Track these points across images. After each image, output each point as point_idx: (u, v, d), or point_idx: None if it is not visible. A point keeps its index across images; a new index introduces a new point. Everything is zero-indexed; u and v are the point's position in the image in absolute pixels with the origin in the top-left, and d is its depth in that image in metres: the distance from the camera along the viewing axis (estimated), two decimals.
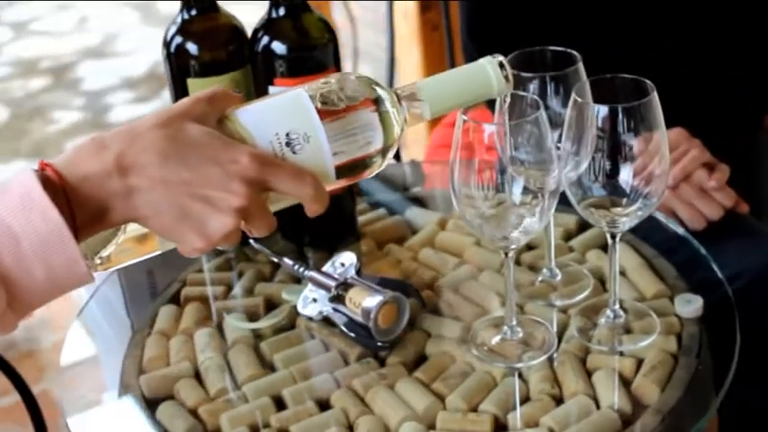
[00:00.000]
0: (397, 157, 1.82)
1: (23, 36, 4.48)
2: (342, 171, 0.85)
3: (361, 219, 1.28)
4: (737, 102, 1.50)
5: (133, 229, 0.83)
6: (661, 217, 1.24)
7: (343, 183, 0.87)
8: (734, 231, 1.34)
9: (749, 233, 1.36)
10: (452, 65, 1.97)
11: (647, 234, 1.20)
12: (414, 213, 1.29)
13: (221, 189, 0.78)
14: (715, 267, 1.13)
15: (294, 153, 0.82)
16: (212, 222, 0.78)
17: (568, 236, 1.22)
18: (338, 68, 1.15)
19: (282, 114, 0.83)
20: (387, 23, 1.90)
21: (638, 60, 1.42)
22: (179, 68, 1.17)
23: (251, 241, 1.20)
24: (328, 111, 0.84)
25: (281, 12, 1.13)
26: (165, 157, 0.77)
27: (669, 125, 1.32)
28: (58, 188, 0.75)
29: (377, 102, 0.86)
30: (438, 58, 2.53)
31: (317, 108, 0.83)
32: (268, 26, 1.13)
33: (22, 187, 0.74)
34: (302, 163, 0.82)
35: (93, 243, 0.82)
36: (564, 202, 1.00)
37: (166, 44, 1.17)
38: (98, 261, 0.83)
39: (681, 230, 1.22)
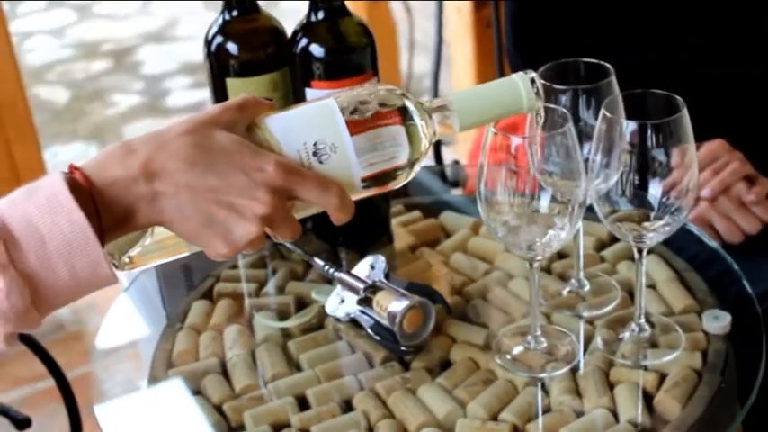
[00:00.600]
0: (439, 158, 1.82)
1: (87, 19, 4.54)
2: (368, 182, 0.87)
3: (395, 221, 1.29)
4: None
5: (161, 231, 0.84)
6: (695, 230, 1.24)
7: (368, 193, 0.89)
8: None
9: None
10: (501, 63, 1.97)
11: (682, 246, 1.20)
12: (448, 217, 1.29)
13: (247, 197, 0.80)
14: (746, 283, 1.12)
15: (321, 163, 0.84)
16: (237, 229, 0.80)
17: (601, 246, 1.22)
18: (375, 72, 1.16)
19: (311, 124, 0.85)
20: (436, 20, 1.90)
21: (672, 60, 1.42)
22: (219, 68, 1.18)
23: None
24: (357, 122, 0.85)
25: (320, 15, 1.14)
26: (192, 164, 0.79)
27: (706, 127, 1.32)
28: (85, 191, 0.78)
29: (405, 114, 0.87)
30: (490, 54, 2.53)
31: (345, 119, 0.85)
32: (307, 29, 1.14)
33: (49, 189, 0.76)
34: (328, 173, 0.84)
35: (121, 243, 0.84)
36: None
37: (207, 43, 1.18)
38: (126, 260, 0.85)
39: (714, 244, 1.21)
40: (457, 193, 1.42)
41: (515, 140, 0.94)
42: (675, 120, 0.93)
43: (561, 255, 1.19)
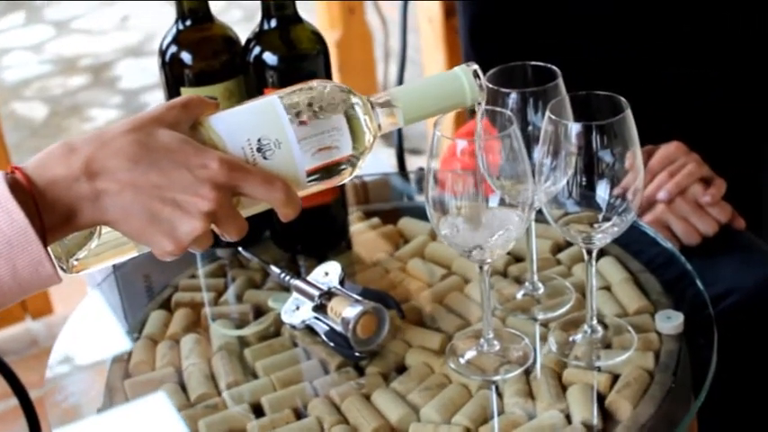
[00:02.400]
0: (402, 165, 1.83)
1: (65, 34, 4.54)
2: (313, 176, 0.87)
3: (353, 228, 1.30)
4: (738, 107, 1.49)
5: (108, 232, 0.84)
6: (651, 232, 1.24)
7: (315, 188, 0.89)
8: (728, 247, 1.34)
9: (744, 249, 1.36)
10: None
11: (640, 249, 1.20)
12: (407, 223, 1.30)
13: (190, 193, 0.80)
14: (699, 283, 1.13)
15: (265, 159, 0.84)
16: (182, 226, 0.80)
17: (557, 249, 1.22)
18: (329, 78, 1.16)
19: (255, 121, 0.85)
20: (400, 28, 1.91)
21: (632, 60, 1.42)
22: (173, 77, 1.18)
23: (239, 249, 1.22)
24: (300, 117, 0.85)
25: (273, 23, 1.14)
26: (135, 162, 0.79)
27: (666, 127, 1.33)
28: (25, 190, 0.77)
29: (349, 109, 0.87)
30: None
31: (288, 115, 0.85)
32: (260, 37, 1.15)
33: None
34: (273, 168, 0.84)
35: (69, 245, 0.84)
36: None
37: (161, 53, 1.19)
38: (74, 263, 0.85)
39: (669, 246, 1.22)
40: (417, 200, 1.43)
41: (461, 143, 0.94)
42: (619, 120, 0.94)
43: (518, 258, 1.20)
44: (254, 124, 0.85)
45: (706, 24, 1.46)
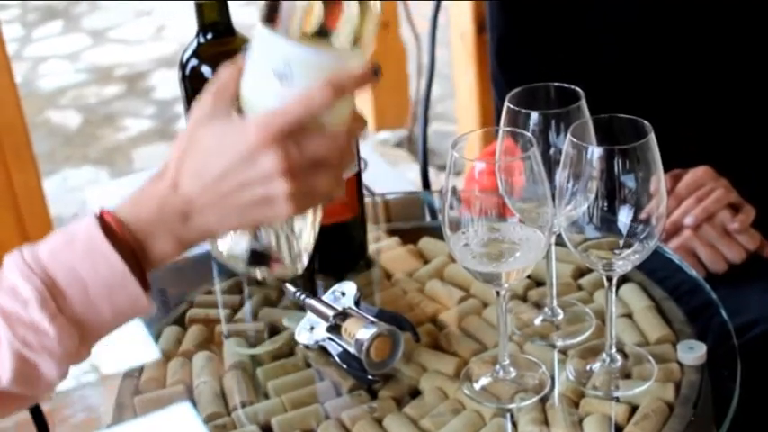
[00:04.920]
0: (427, 184, 1.81)
1: (101, 43, 4.56)
2: (341, 50, 0.82)
3: (373, 246, 1.28)
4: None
5: None
6: (676, 259, 1.21)
7: (365, 52, 0.83)
8: (756, 276, 1.30)
9: None
10: None
11: (665, 276, 1.17)
12: (427, 243, 1.28)
13: (251, 170, 0.81)
14: (723, 313, 1.10)
15: (292, 83, 0.81)
16: (273, 197, 0.82)
17: (579, 274, 1.20)
18: None
19: (260, 62, 0.83)
20: (429, 42, 1.89)
21: (659, 71, 1.39)
22: (194, 91, 1.17)
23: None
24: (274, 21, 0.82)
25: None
26: (195, 180, 0.83)
27: (693, 151, 1.29)
28: (117, 233, 0.82)
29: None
30: None
31: (277, 31, 0.82)
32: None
33: (86, 235, 0.82)
34: (305, 84, 0.81)
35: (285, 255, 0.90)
36: None
37: (182, 67, 1.17)
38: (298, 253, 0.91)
39: (694, 273, 1.19)
40: (438, 220, 1.40)
41: (479, 165, 0.92)
42: (643, 145, 0.91)
43: (538, 282, 1.17)
44: (262, 64, 0.82)
45: (736, 32, 1.43)
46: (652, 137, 0.92)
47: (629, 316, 1.11)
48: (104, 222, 0.82)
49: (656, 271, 1.17)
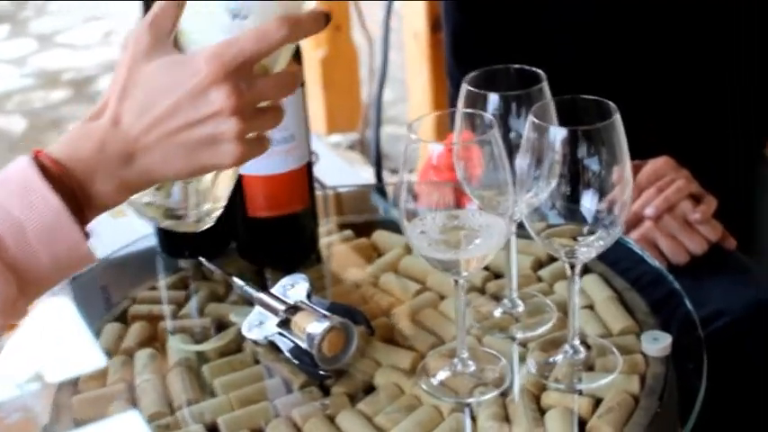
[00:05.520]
0: (380, 176, 1.76)
1: (48, 48, 4.48)
2: None
3: (324, 240, 1.23)
4: (728, 121, 1.44)
5: None
6: (638, 250, 1.18)
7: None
8: (718, 267, 1.27)
9: (734, 270, 1.29)
10: None
11: (627, 267, 1.14)
12: (381, 236, 1.23)
13: (203, 106, 0.76)
14: (688, 304, 1.06)
15: (245, 18, 0.77)
16: (221, 138, 0.77)
17: (539, 265, 1.16)
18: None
19: None
20: (382, 42, 1.85)
21: (616, 68, 1.37)
22: None
23: (201, 259, 1.15)
24: None
25: None
26: (139, 117, 0.77)
27: (653, 142, 1.27)
28: (55, 174, 0.76)
29: None
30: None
31: None
32: None
33: (21, 176, 0.76)
34: (261, 21, 0.77)
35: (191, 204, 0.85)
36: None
37: None
38: (199, 211, 0.86)
39: (656, 264, 1.15)
40: (393, 213, 1.36)
41: (437, 148, 0.88)
42: (608, 126, 0.88)
43: (497, 275, 1.13)
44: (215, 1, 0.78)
45: (691, 30, 1.41)
46: (617, 118, 0.88)
47: (590, 307, 1.07)
48: (40, 163, 0.76)
49: (618, 262, 1.13)
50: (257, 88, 0.78)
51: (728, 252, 1.31)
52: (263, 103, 0.80)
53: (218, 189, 0.86)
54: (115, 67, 0.80)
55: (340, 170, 2.14)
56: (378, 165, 1.74)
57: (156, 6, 0.80)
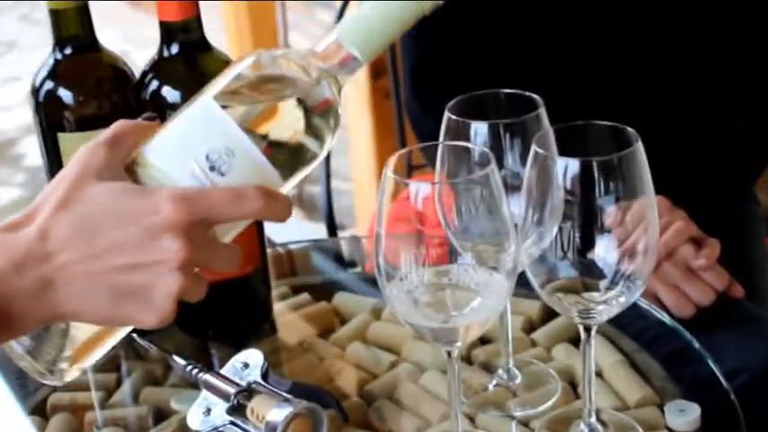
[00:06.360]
0: (333, 231, 1.60)
1: None
2: (282, 169, 0.71)
3: (278, 306, 1.06)
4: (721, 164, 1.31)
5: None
6: (642, 303, 1.02)
7: (293, 180, 0.72)
8: (729, 320, 1.12)
9: (747, 322, 1.15)
10: (402, 133, 1.77)
11: (622, 323, 0.98)
12: (344, 300, 1.06)
13: (150, 251, 0.66)
14: (712, 364, 0.91)
15: (223, 175, 0.69)
16: (157, 292, 0.66)
17: (531, 327, 1.00)
18: None
19: (194, 136, 0.69)
20: None
21: (583, 71, 1.29)
22: (49, 121, 0.95)
23: (134, 335, 0.97)
24: (243, 110, 0.70)
25: (174, 50, 0.91)
26: (73, 239, 0.66)
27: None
28: None
29: (295, 85, 0.71)
30: (390, 126, 2.35)
31: (229, 112, 0.69)
32: (158, 68, 0.92)
33: None
34: (237, 182, 0.69)
35: (45, 353, 0.72)
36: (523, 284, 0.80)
37: (34, 92, 0.95)
38: (62, 367, 0.73)
39: (667, 319, 1.00)
40: (354, 271, 1.19)
41: (423, 190, 0.72)
42: (627, 156, 0.72)
43: (483, 340, 0.97)
44: (195, 140, 0.69)
45: (652, 27, 1.29)
46: (639, 146, 0.73)
47: (598, 374, 0.91)
48: None
49: (612, 318, 0.98)
50: (208, 251, 0.68)
51: (737, 302, 1.16)
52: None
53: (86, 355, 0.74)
54: (55, 178, 0.68)
55: (280, 225, 1.98)
56: (330, 217, 1.58)
57: (118, 124, 0.71)
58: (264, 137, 0.69)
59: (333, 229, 1.59)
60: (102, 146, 0.69)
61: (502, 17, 1.29)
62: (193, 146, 0.69)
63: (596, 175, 0.72)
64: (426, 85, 1.33)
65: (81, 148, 0.69)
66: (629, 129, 0.74)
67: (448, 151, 0.78)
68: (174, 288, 0.66)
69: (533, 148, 0.73)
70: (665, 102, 1.29)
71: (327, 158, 1.61)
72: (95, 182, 0.67)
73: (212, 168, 0.68)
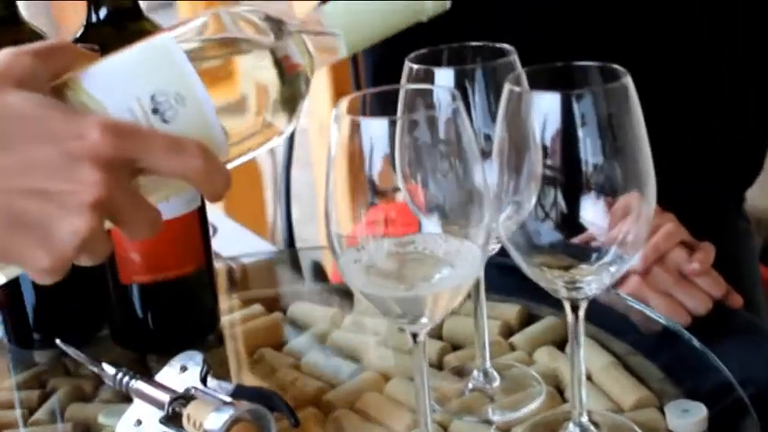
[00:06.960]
0: (292, 241, 1.48)
1: None
2: (234, 139, 0.63)
3: (227, 318, 0.94)
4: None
5: None
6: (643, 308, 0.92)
7: (240, 155, 0.65)
8: (727, 329, 1.01)
9: (744, 331, 1.03)
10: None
11: (616, 331, 0.88)
12: (300, 310, 0.95)
13: (64, 178, 0.56)
14: (720, 365, 0.81)
15: (165, 122, 0.61)
16: (59, 227, 0.57)
17: (509, 331, 0.89)
18: None
19: (143, 72, 0.62)
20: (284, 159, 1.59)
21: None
22: None
23: (57, 341, 0.85)
24: (205, 59, 0.63)
25: (102, 14, 0.82)
26: None
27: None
28: None
29: (271, 46, 0.64)
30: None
31: (190, 57, 0.62)
32: (85, 37, 0.82)
33: None
34: (182, 133, 0.60)
35: None
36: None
37: None
38: None
39: (671, 323, 0.90)
40: (314, 282, 1.08)
41: (378, 128, 0.61)
42: (615, 89, 0.62)
43: (455, 346, 0.86)
44: (144, 76, 0.62)
45: (658, 18, 1.21)
46: (628, 80, 0.63)
47: (588, 378, 0.80)
48: None
49: (603, 325, 0.88)
50: (128, 200, 0.59)
51: (734, 311, 1.05)
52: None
53: None
54: None
55: (238, 241, 1.88)
56: (289, 230, 1.46)
57: (54, 40, 0.65)
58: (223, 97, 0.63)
59: (291, 238, 1.47)
60: (30, 54, 0.60)
61: (507, 6, 1.21)
62: (140, 81, 0.61)
63: (576, 112, 0.62)
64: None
65: (3, 51, 0.60)
66: (619, 66, 0.64)
67: (410, 97, 0.67)
68: (80, 227, 0.56)
69: (506, 86, 0.63)
70: (671, 92, 1.21)
71: (287, 187, 1.50)
72: (15, 91, 0.58)
73: (155, 111, 0.61)
